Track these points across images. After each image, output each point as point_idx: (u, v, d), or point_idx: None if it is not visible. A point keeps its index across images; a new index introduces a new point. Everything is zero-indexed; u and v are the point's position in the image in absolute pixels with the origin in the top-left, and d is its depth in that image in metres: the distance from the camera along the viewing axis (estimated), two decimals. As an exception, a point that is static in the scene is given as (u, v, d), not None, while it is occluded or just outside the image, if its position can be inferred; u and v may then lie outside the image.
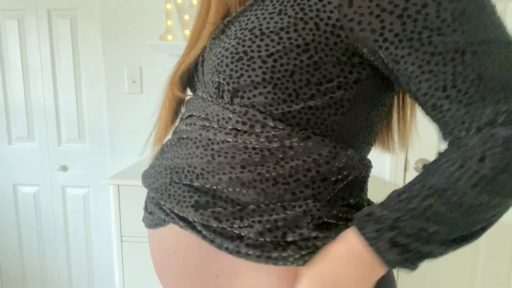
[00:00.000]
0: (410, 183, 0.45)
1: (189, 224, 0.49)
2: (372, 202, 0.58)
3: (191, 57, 0.57)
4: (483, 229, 0.45)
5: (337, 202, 0.49)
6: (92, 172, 2.00)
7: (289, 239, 0.45)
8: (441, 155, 0.44)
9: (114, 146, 1.87)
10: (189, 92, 0.63)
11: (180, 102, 0.62)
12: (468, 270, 1.70)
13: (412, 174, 1.67)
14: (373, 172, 1.73)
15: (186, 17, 1.54)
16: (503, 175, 0.39)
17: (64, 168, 2.02)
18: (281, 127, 0.46)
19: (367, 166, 0.53)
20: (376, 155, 0.66)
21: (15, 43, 1.94)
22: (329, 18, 0.43)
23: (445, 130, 0.43)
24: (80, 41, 1.91)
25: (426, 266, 1.62)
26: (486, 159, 0.39)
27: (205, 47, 0.56)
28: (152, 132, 0.64)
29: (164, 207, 0.52)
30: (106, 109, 1.85)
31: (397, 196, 0.44)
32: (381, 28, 0.41)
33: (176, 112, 0.63)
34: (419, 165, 1.66)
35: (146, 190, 0.60)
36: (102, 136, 1.96)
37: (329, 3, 0.43)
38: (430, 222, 0.41)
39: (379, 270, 0.44)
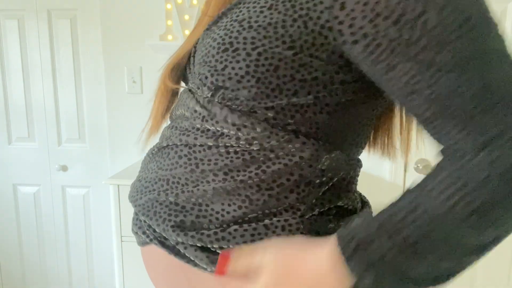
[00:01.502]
0: (401, 200, 0.41)
1: (172, 249, 0.50)
2: (366, 200, 0.58)
3: (183, 49, 0.58)
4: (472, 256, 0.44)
5: (324, 205, 0.48)
6: (92, 172, 2.00)
7: None
8: (439, 168, 0.40)
9: (114, 146, 1.87)
10: (183, 84, 0.63)
11: (174, 94, 0.62)
12: (468, 270, 1.70)
13: (412, 174, 1.67)
14: (373, 172, 1.73)
15: (186, 17, 1.54)
16: (502, 203, 0.36)
17: (64, 168, 2.02)
18: (259, 130, 0.46)
19: (355, 166, 0.53)
20: (376, 155, 0.66)
21: (15, 43, 1.94)
22: (318, 18, 0.42)
23: (444, 144, 0.40)
24: (80, 41, 1.91)
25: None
26: (490, 184, 0.36)
27: (199, 39, 0.56)
28: (148, 122, 0.65)
29: (147, 230, 0.53)
30: (106, 109, 1.85)
31: (388, 218, 0.40)
32: (374, 33, 0.38)
33: (169, 103, 0.63)
34: (419, 165, 1.66)
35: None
36: (102, 136, 1.96)
37: (321, 3, 0.42)
38: (415, 256, 0.38)
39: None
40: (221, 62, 0.46)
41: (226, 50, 0.46)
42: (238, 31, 0.46)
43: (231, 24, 0.47)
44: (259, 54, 0.44)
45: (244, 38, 0.45)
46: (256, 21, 0.45)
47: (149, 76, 1.80)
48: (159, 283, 0.56)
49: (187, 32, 1.54)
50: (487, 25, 0.37)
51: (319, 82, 0.45)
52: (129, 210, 1.36)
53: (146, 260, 0.57)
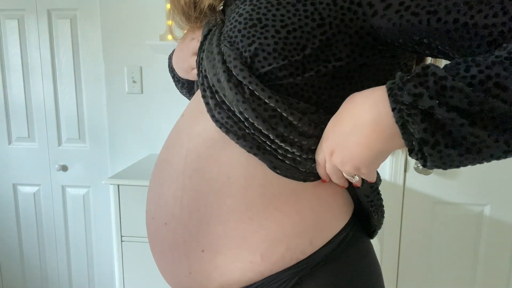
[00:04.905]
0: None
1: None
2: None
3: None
4: None
5: None
6: (92, 172, 2.00)
7: None
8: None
9: (114, 146, 1.87)
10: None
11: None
12: (468, 270, 1.70)
13: (412, 174, 1.68)
14: (373, 172, 1.73)
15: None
16: None
17: (64, 168, 2.02)
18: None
19: None
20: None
21: (15, 43, 1.94)
22: None
23: None
24: (80, 41, 1.91)
25: (426, 266, 1.61)
26: None
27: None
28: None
29: None
30: (106, 109, 1.85)
31: (455, 64, 0.38)
32: None
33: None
34: (419, 165, 1.66)
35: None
36: (102, 136, 1.96)
37: None
38: (490, 96, 0.35)
39: (397, 143, 0.41)
40: (248, 38, 0.46)
41: (254, 26, 0.46)
42: (266, 7, 0.46)
43: (258, 1, 0.47)
44: (289, 32, 0.44)
45: (273, 15, 0.45)
46: None
47: (149, 76, 1.79)
48: (162, 236, 0.55)
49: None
50: None
51: (342, 64, 0.45)
52: (129, 210, 1.36)
53: (153, 212, 0.57)
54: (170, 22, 1.68)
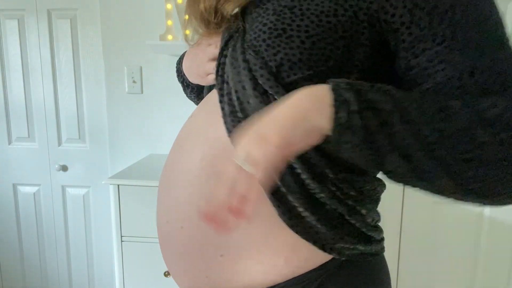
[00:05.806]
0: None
1: None
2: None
3: None
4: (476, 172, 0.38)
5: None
6: (92, 172, 2.00)
7: None
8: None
9: (114, 146, 1.87)
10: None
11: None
12: (468, 270, 1.70)
13: (412, 174, 1.67)
14: (373, 172, 1.73)
15: (187, 17, 1.54)
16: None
17: (64, 168, 2.02)
18: None
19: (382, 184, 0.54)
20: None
21: (15, 43, 1.94)
22: (368, 8, 0.44)
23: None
24: (80, 41, 1.91)
25: (426, 266, 1.60)
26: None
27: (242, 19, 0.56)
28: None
29: None
30: (106, 109, 1.85)
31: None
32: (409, 22, 0.42)
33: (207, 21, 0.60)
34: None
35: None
36: (102, 136, 1.96)
37: None
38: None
39: (323, 124, 0.40)
40: (273, 47, 0.46)
41: (279, 35, 0.46)
42: (290, 17, 0.46)
43: (281, 10, 0.47)
44: (313, 43, 0.45)
45: (298, 26, 0.45)
46: (308, 9, 0.46)
47: (149, 76, 1.79)
48: (177, 241, 0.54)
49: (188, 32, 1.54)
50: (498, 20, 0.42)
51: (364, 76, 0.46)
52: (129, 210, 1.36)
53: (167, 215, 0.56)
54: (170, 22, 1.68)
